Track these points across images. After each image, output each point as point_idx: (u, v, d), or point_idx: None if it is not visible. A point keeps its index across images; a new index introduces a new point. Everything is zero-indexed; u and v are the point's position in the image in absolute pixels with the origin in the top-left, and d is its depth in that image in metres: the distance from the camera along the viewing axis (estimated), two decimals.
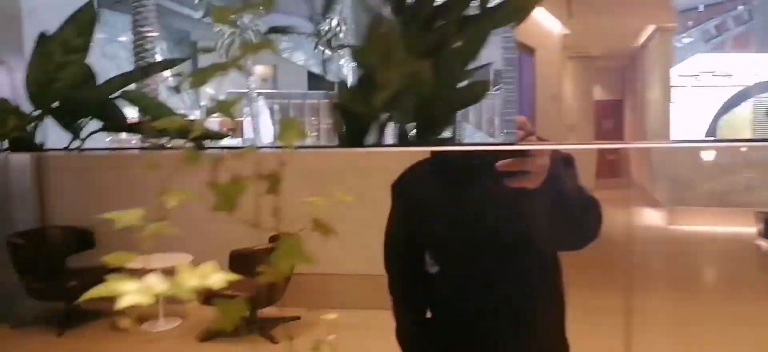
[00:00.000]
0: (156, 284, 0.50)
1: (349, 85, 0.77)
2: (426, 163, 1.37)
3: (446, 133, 0.74)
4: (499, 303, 1.32)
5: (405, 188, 1.41)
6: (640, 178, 11.28)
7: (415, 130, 0.76)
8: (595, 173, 11.77)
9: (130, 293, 0.47)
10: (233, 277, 0.55)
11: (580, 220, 1.17)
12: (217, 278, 0.53)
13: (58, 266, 4.50)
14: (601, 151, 12.76)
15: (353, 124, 0.75)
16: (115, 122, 0.89)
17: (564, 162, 1.25)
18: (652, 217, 8.67)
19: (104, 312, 4.46)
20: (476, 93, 0.74)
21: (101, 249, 4.96)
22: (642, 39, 9.20)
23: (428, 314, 1.46)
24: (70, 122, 0.86)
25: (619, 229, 7.97)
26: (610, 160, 13.00)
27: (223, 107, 0.60)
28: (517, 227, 1.27)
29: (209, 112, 0.63)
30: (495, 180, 1.01)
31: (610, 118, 13.22)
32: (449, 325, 1.40)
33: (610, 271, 5.76)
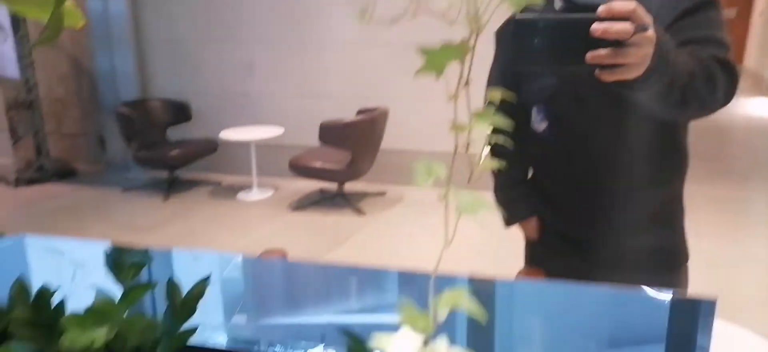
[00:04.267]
0: None
1: None
2: (544, 6, 1.22)
3: None
4: (609, 164, 1.22)
5: (511, 35, 1.28)
6: (757, 65, 10.22)
7: None
8: None
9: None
10: None
11: (702, 94, 0.98)
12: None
13: (160, 136, 4.77)
14: None
15: None
16: None
17: (700, 5, 1.06)
18: (766, 105, 7.91)
19: (203, 181, 4.74)
20: None
21: (196, 121, 5.21)
22: None
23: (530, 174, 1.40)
24: None
25: (731, 117, 7.36)
26: None
27: None
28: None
29: None
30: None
31: (733, 7, 11.72)
32: (556, 182, 1.32)
33: (717, 161, 5.37)
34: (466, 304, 0.38)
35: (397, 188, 4.30)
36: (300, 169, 3.89)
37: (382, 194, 4.25)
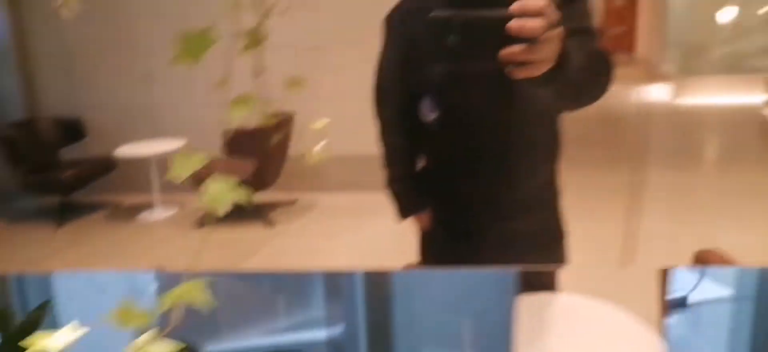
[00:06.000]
0: None
1: None
2: None
3: None
4: (497, 152, 1.25)
5: (401, 23, 1.26)
6: (648, 51, 10.91)
7: None
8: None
9: None
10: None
11: (588, 86, 1.02)
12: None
13: (51, 157, 4.43)
14: (608, 24, 12.29)
15: None
16: None
17: None
18: (659, 92, 8.44)
19: (101, 204, 4.45)
20: None
21: (92, 139, 4.88)
22: None
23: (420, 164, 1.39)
24: None
25: (625, 106, 7.80)
26: (617, 34, 12.50)
27: None
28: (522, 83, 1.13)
29: None
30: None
31: None
32: (446, 172, 1.33)
33: (617, 148, 5.66)
34: (197, 297, 0.36)
35: (310, 194, 4.21)
36: (203, 183, 3.71)
37: (292, 202, 4.14)
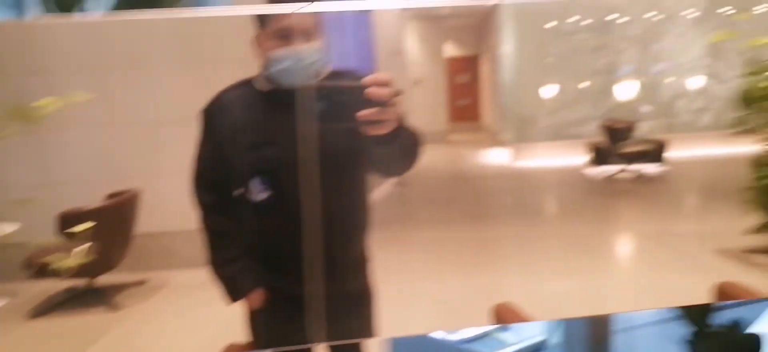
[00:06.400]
0: None
1: None
2: (245, 87, 1.35)
3: None
4: (327, 220, 1.37)
5: (222, 115, 1.36)
6: (490, 121, 12.00)
7: None
8: (449, 117, 12.35)
9: None
10: None
11: (412, 153, 1.28)
12: None
13: None
14: (454, 97, 13.42)
15: None
16: None
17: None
18: (500, 155, 9.30)
19: None
20: None
21: None
22: None
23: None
24: None
25: (470, 169, 8.48)
26: (463, 106, 13.70)
27: None
28: (353, 153, 1.32)
29: None
30: (331, 109, 1.02)
31: (465, 73, 13.80)
32: (275, 249, 1.41)
33: (464, 206, 6.11)
34: None
35: (160, 273, 4.05)
36: (36, 268, 3.44)
37: (141, 283, 3.96)
